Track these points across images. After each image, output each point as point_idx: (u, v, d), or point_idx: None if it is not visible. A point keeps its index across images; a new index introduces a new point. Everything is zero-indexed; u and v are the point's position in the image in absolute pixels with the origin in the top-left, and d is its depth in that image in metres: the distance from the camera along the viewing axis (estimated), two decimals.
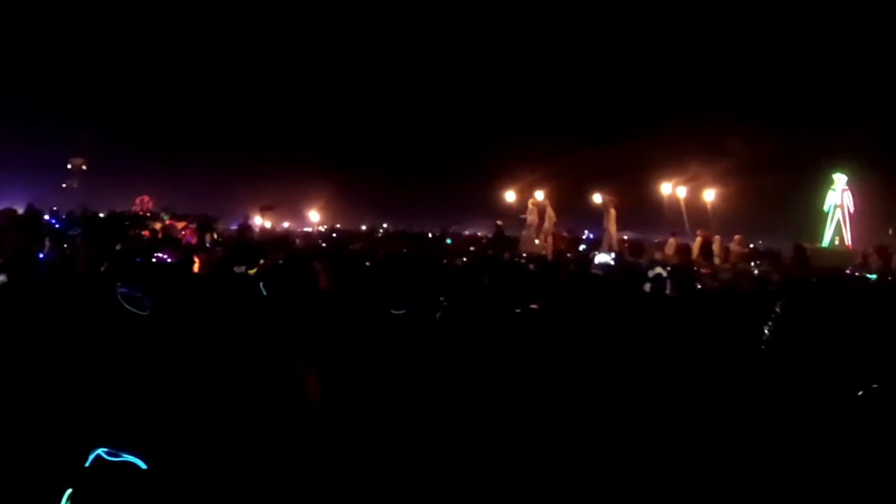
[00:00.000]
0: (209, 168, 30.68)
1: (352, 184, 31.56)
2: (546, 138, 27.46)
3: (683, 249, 21.61)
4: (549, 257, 15.69)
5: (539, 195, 23.87)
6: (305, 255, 9.16)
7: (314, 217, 31.64)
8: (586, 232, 25.41)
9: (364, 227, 31.59)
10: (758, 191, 28.05)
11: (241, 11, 31.08)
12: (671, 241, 22.33)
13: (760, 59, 29.52)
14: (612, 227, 21.25)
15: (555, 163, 25.84)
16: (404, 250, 14.99)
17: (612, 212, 21.33)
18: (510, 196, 26.79)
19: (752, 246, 24.53)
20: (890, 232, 26.17)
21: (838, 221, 28.45)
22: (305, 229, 29.09)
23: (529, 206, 23.29)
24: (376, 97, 32.19)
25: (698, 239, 21.56)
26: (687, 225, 25.21)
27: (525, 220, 23.15)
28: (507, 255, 15.55)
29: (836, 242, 27.47)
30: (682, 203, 26.30)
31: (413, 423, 3.55)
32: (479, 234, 27.76)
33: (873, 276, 14.70)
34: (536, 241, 22.11)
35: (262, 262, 6.98)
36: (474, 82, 31.46)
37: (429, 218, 30.12)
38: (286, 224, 30.26)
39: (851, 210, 28.25)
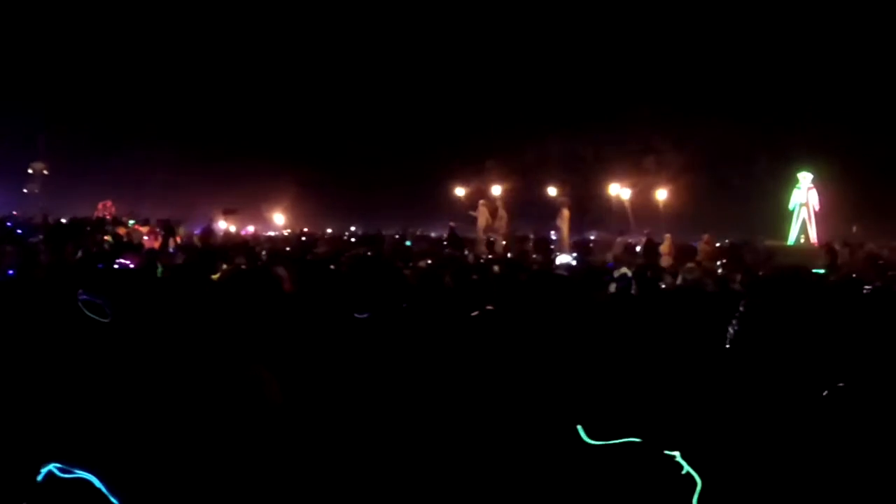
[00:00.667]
0: (171, 171, 30.39)
1: (317, 186, 31.45)
2: (505, 138, 27.59)
3: (632, 249, 21.86)
4: (502, 257, 15.82)
5: (496, 191, 24.04)
6: (269, 259, 9.17)
7: (279, 220, 31.52)
8: (552, 233, 25.59)
9: (329, 230, 31.55)
10: (723, 189, 28.47)
11: (198, 14, 30.85)
12: (618, 240, 22.52)
13: (725, 59, 29.86)
14: (564, 227, 21.38)
15: (512, 162, 26.01)
16: (369, 253, 15.01)
17: (566, 212, 21.47)
18: (460, 192, 26.85)
19: (718, 245, 24.88)
20: (854, 229, 26.54)
21: (804, 219, 28.76)
22: (270, 233, 28.98)
23: (479, 205, 23.42)
24: (338, 98, 32.11)
25: (644, 240, 21.80)
26: (632, 224, 25.49)
27: (474, 218, 23.30)
28: (471, 257, 15.63)
29: (802, 240, 27.74)
30: (628, 204, 26.55)
31: (376, 426, 3.60)
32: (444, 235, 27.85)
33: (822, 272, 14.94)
34: (495, 240, 22.26)
35: (224, 267, 6.98)
36: (435, 84, 31.53)
37: (394, 220, 30.18)
38: (251, 228, 30.10)
39: (817, 208, 28.58)
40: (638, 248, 21.73)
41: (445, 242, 23.48)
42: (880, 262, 19.46)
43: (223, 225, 26.47)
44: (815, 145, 27.94)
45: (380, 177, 31.90)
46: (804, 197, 28.57)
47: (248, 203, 29.59)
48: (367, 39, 31.42)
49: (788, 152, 28.49)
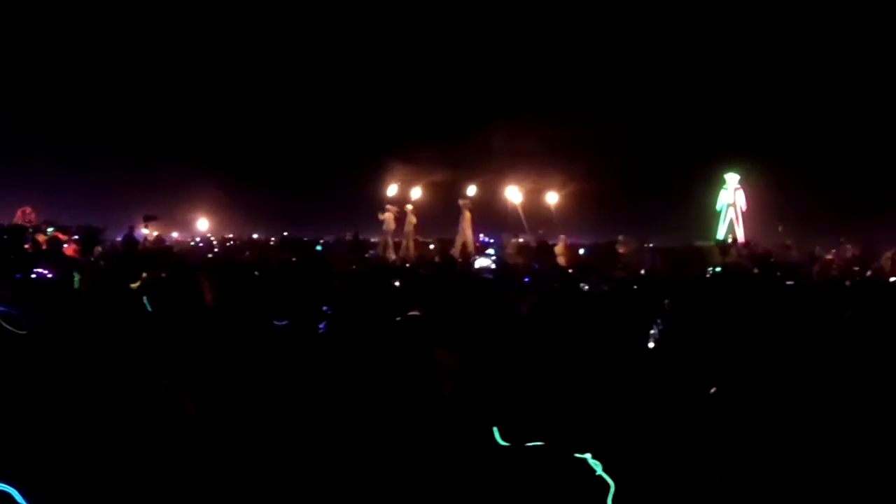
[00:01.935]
0: (91, 176, 29.70)
1: (243, 190, 31.06)
2: (416, 141, 27.67)
3: (525, 249, 22.21)
4: (410, 262, 15.92)
5: (415, 194, 24.14)
6: (190, 266, 9.07)
7: (203, 225, 31.06)
8: (481, 236, 25.71)
9: (256, 236, 31.20)
10: (651, 191, 28.99)
11: (115, 13, 30.20)
12: (512, 241, 22.74)
13: (649, 60, 30.32)
14: (467, 229, 21.52)
15: (422, 165, 26.15)
16: (294, 259, 14.91)
17: (468, 214, 21.61)
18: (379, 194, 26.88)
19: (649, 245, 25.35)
20: (780, 229, 27.15)
21: (731, 220, 29.34)
22: (195, 239, 28.57)
23: (386, 209, 23.49)
24: (261, 102, 31.79)
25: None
26: (526, 225, 25.84)
27: (381, 221, 23.39)
28: (397, 261, 15.65)
29: (730, 240, 28.25)
30: (520, 207, 26.88)
31: (294, 435, 3.62)
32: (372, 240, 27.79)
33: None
34: (403, 244, 22.36)
35: (145, 275, 6.89)
36: (352, 90, 31.53)
37: (324, 224, 30.03)
38: (175, 234, 29.60)
39: (744, 208, 29.20)
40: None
41: (348, 248, 23.59)
42: (771, 259, 20.00)
43: (146, 232, 25.96)
44: (741, 146, 28.58)
45: (307, 181, 31.69)
46: (731, 197, 29.23)
47: (172, 208, 29.06)
48: (286, 47, 31.23)
49: (714, 153, 29.07)
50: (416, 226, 23.09)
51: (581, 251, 22.62)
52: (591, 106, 29.31)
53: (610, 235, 24.29)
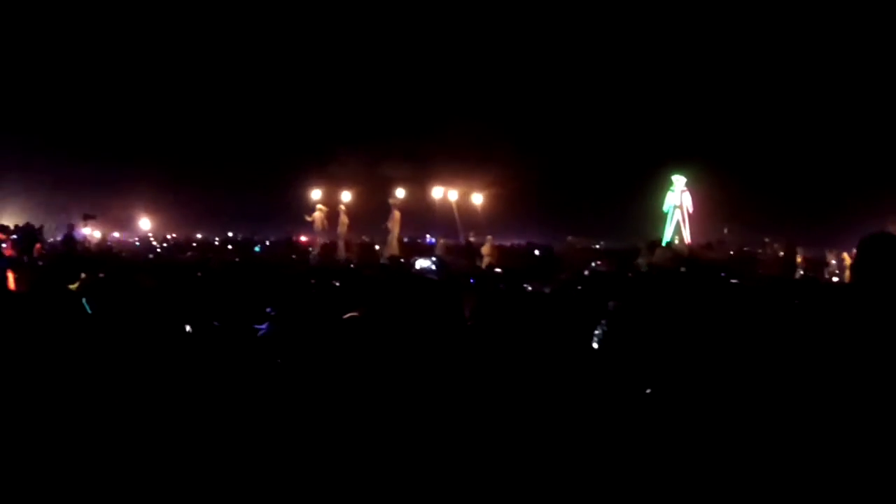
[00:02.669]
0: (29, 175, 29.00)
1: (184, 189, 30.67)
2: (350, 144, 27.74)
3: (453, 249, 22.43)
4: (342, 263, 15.95)
5: (348, 196, 24.24)
6: (130, 267, 8.95)
7: (145, 225, 30.60)
8: (428, 237, 25.78)
9: (199, 236, 30.87)
10: (599, 193, 29.29)
11: (54, 12, 29.59)
12: (441, 241, 22.93)
13: (595, 65, 30.59)
14: (395, 229, 21.63)
15: (355, 168, 26.23)
16: (237, 259, 14.79)
17: (396, 214, 21.72)
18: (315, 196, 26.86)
19: (596, 247, 25.66)
20: (725, 230, 27.58)
21: (678, 221, 29.73)
22: (135, 239, 28.14)
23: (316, 209, 23.55)
24: (200, 101, 31.43)
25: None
26: (459, 226, 26.10)
27: (311, 222, 23.45)
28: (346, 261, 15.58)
29: (676, 241, 28.59)
30: (454, 206, 27.15)
31: (232, 436, 3.61)
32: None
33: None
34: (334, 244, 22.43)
35: (83, 276, 6.77)
36: (293, 94, 31.43)
37: (268, 225, 29.80)
38: (116, 234, 29.12)
39: (690, 210, 29.61)
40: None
41: (282, 248, 23.58)
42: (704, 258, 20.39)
43: (88, 231, 25.51)
44: (688, 149, 29.02)
45: (248, 182, 31.39)
46: (678, 199, 29.65)
47: (112, 207, 28.56)
48: (226, 50, 30.98)
49: (662, 155, 29.48)
50: (348, 226, 23.13)
51: (536, 252, 22.80)
52: (536, 109, 29.60)
53: (561, 237, 24.55)
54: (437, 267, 7.33)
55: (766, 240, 24.30)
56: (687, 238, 28.83)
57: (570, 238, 23.43)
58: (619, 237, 27.23)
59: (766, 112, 28.82)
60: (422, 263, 7.44)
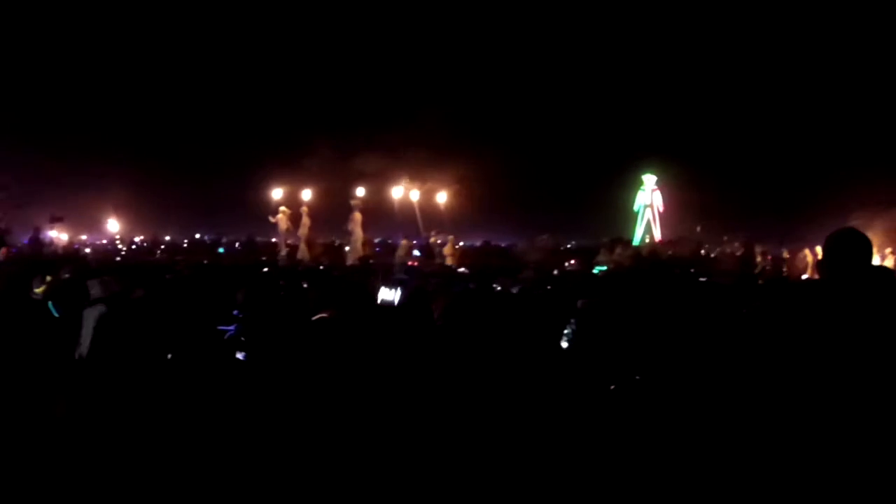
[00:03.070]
0: None
1: (153, 190, 30.29)
2: (311, 144, 27.70)
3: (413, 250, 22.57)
4: (306, 264, 15.95)
5: (312, 196, 24.26)
6: (96, 270, 8.85)
7: (113, 227, 30.24)
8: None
9: (168, 238, 30.58)
10: (569, 192, 29.38)
11: (16, 9, 29.16)
12: (404, 242, 23.00)
13: (566, 64, 30.70)
14: (357, 229, 21.67)
15: (318, 168, 26.23)
16: (205, 262, 14.70)
17: (357, 215, 21.76)
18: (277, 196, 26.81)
19: (568, 246, 25.78)
20: (698, 229, 27.76)
21: (648, 220, 29.93)
22: (103, 241, 27.85)
23: (280, 211, 23.56)
24: (163, 99, 31.16)
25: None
26: (420, 226, 26.20)
27: (275, 224, 23.48)
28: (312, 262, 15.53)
29: (647, 240, 28.73)
30: (416, 206, 27.26)
31: (204, 436, 3.60)
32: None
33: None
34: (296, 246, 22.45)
35: (49, 280, 6.70)
36: (255, 93, 31.32)
37: (237, 226, 29.58)
38: (84, 237, 28.76)
39: (661, 209, 29.82)
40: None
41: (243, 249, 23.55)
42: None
43: (55, 234, 25.18)
44: (659, 148, 29.21)
45: (213, 183, 31.13)
46: (648, 198, 29.86)
47: (79, 208, 28.18)
48: (190, 49, 30.77)
49: (632, 155, 29.66)
50: (310, 228, 23.13)
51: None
52: (505, 107, 29.64)
53: (530, 236, 24.59)
54: (402, 290, 7.27)
55: (725, 238, 24.50)
56: (658, 237, 29.01)
57: (542, 237, 23.42)
58: (592, 236, 27.34)
59: (736, 110, 29.08)
60: (385, 295, 7.32)
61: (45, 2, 29.76)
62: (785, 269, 20.31)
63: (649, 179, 29.98)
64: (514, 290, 8.45)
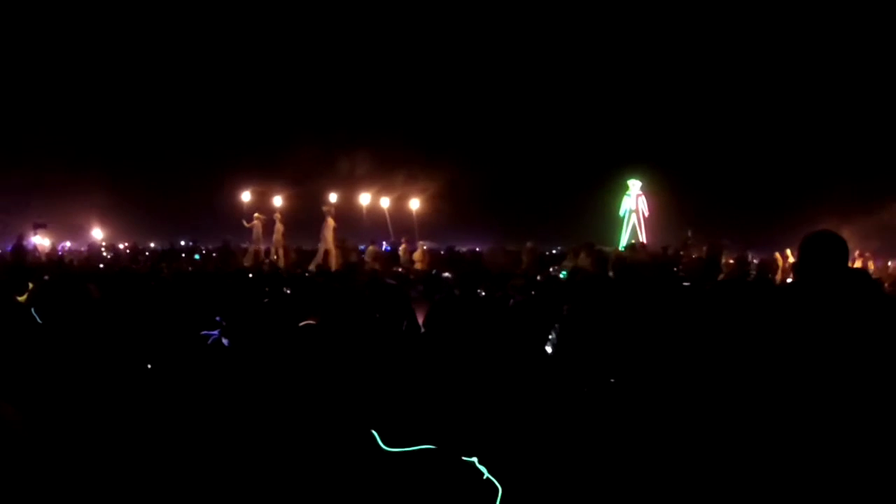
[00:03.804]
0: None
1: (136, 197, 30.20)
2: (286, 150, 27.76)
3: (381, 255, 22.61)
4: (282, 270, 15.92)
5: (286, 202, 24.30)
6: (79, 275, 8.81)
7: (98, 234, 30.06)
8: (384, 244, 25.68)
9: (153, 245, 30.43)
10: (555, 197, 29.44)
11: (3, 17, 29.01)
12: (371, 248, 23.04)
13: (551, 68, 30.79)
14: (329, 235, 21.67)
15: (292, 174, 26.29)
16: (190, 268, 14.65)
17: (330, 221, 21.77)
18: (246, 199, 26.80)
19: (553, 251, 25.78)
20: (689, 233, 27.87)
21: (634, 225, 29.99)
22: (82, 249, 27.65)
23: (254, 217, 23.58)
24: (143, 105, 31.09)
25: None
26: (391, 232, 26.27)
27: (250, 229, 23.50)
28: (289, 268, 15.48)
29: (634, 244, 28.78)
30: (387, 212, 27.36)
31: (186, 443, 3.60)
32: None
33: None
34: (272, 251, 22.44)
35: (31, 286, 6.67)
36: (232, 100, 31.32)
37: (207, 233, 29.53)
38: (67, 243, 28.57)
39: (646, 214, 29.89)
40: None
41: (218, 256, 23.48)
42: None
43: (38, 240, 25.01)
44: (644, 153, 29.35)
45: (191, 189, 31.01)
46: (634, 203, 29.93)
47: (63, 215, 28.01)
48: (169, 55, 30.74)
49: (618, 160, 29.78)
50: (283, 233, 23.14)
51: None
52: (489, 113, 29.68)
53: (514, 241, 24.63)
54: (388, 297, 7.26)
55: (689, 241, 24.59)
56: (644, 241, 29.06)
57: (528, 244, 23.42)
58: (577, 241, 27.36)
59: (720, 116, 29.30)
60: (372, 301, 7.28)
61: (27, 12, 29.62)
62: (753, 273, 20.39)
63: (634, 185, 30.05)
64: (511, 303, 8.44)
